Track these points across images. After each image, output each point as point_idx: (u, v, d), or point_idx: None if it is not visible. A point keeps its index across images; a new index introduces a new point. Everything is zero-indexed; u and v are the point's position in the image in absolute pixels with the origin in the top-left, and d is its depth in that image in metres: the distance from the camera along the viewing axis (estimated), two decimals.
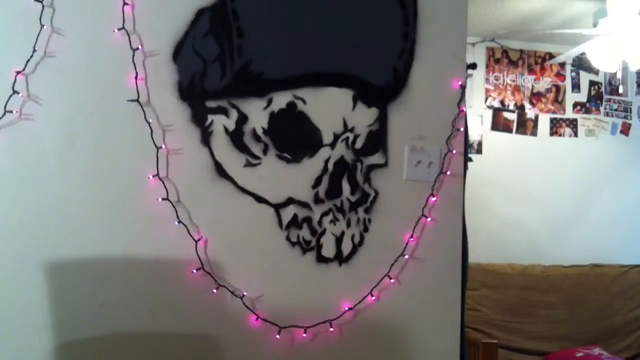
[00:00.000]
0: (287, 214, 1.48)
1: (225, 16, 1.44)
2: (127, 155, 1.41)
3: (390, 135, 1.53)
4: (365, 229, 1.52)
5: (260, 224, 1.47)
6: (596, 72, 3.83)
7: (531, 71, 3.80)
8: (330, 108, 1.50)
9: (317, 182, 1.49)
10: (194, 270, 1.42)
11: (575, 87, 3.87)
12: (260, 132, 1.46)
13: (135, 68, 1.39)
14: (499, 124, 3.76)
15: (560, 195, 3.54)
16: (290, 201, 1.48)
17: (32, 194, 1.37)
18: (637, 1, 2.39)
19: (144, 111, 1.40)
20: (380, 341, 1.53)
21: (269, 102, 1.47)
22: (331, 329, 1.47)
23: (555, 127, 3.82)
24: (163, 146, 1.42)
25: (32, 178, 1.37)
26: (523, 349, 2.90)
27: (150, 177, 1.40)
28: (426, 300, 1.54)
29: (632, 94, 3.88)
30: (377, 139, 1.52)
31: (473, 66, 1.73)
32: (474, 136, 3.58)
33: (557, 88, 3.84)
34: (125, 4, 1.39)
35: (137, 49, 1.40)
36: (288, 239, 1.48)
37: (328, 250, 1.50)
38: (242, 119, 1.46)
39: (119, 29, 1.39)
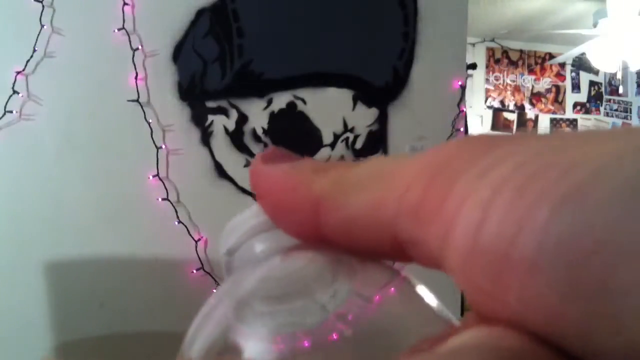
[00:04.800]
0: None
1: (225, 16, 1.44)
2: (127, 155, 1.41)
3: (390, 135, 1.53)
4: None
5: None
6: (596, 72, 3.83)
7: (531, 71, 3.80)
8: (330, 108, 1.50)
9: None
10: (194, 270, 1.42)
11: (575, 87, 3.88)
12: (260, 132, 1.46)
13: (135, 68, 1.39)
14: (499, 124, 3.77)
15: None
16: None
17: (32, 194, 1.37)
18: (637, 1, 2.39)
19: (144, 111, 1.40)
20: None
21: (269, 102, 1.47)
22: None
23: (556, 128, 3.82)
24: (163, 146, 1.42)
25: (32, 178, 1.37)
26: None
27: (150, 177, 1.41)
28: None
29: (632, 94, 3.89)
30: (377, 139, 1.52)
31: (473, 66, 1.73)
32: None
33: (557, 88, 3.84)
34: (125, 4, 1.39)
35: (137, 49, 1.40)
36: None
37: None
38: (242, 119, 1.46)
39: (119, 29, 1.39)
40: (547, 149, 0.12)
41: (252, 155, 1.46)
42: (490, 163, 0.12)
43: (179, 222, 1.42)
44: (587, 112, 3.88)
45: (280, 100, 1.47)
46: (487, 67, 3.74)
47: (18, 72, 1.35)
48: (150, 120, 1.41)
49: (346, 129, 1.51)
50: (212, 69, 1.44)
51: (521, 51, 3.77)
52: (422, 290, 0.16)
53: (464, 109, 1.56)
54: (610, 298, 0.10)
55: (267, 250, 0.16)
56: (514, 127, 3.76)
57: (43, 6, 1.36)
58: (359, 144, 1.51)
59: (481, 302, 0.12)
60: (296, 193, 0.15)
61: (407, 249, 0.14)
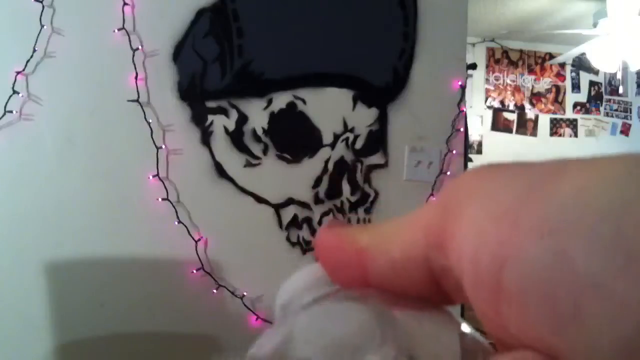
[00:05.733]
0: (287, 214, 1.48)
1: (225, 16, 1.44)
2: (127, 155, 1.41)
3: (390, 136, 1.53)
4: None
5: (260, 224, 1.47)
6: (596, 73, 3.83)
7: (531, 71, 3.80)
8: (330, 108, 1.50)
9: (317, 182, 1.49)
10: (194, 270, 1.42)
11: (575, 87, 3.88)
12: (260, 132, 1.47)
13: (135, 68, 1.39)
14: (499, 124, 3.77)
15: None
16: (290, 201, 1.48)
17: (32, 194, 1.37)
18: (637, 1, 2.39)
19: (144, 111, 1.40)
20: None
21: (269, 102, 1.47)
22: None
23: (556, 128, 3.82)
24: (163, 146, 1.42)
25: (32, 178, 1.37)
26: None
27: (150, 177, 1.41)
28: None
29: (632, 94, 3.88)
30: (377, 139, 1.52)
31: (473, 66, 1.73)
32: (474, 136, 3.58)
33: (557, 88, 3.85)
34: (125, 4, 1.39)
35: (137, 49, 1.40)
36: (288, 239, 1.48)
37: None
38: (242, 119, 1.46)
39: (119, 29, 1.39)
40: (535, 182, 0.13)
41: (252, 155, 1.46)
42: (491, 193, 0.13)
43: (179, 222, 1.42)
44: (587, 112, 3.88)
45: (280, 100, 1.47)
46: (487, 67, 3.74)
47: (18, 72, 1.35)
48: (150, 120, 1.41)
49: (346, 129, 1.51)
50: (212, 69, 1.44)
51: (521, 51, 3.78)
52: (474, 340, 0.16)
53: (464, 109, 1.56)
54: (582, 327, 0.10)
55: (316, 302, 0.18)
56: (514, 127, 3.77)
57: (43, 6, 1.36)
58: (359, 144, 1.51)
59: (491, 328, 0.13)
60: (346, 249, 0.17)
61: (442, 283, 0.15)
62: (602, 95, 3.91)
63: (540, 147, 3.69)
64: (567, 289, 0.11)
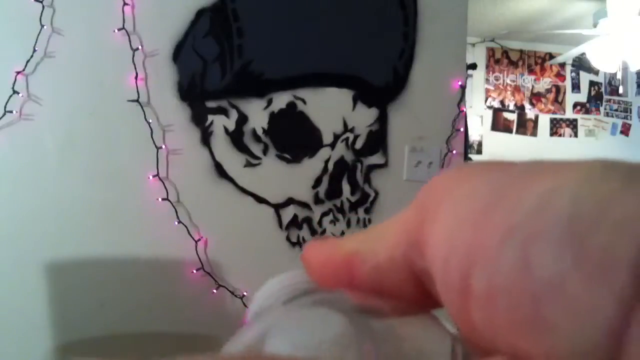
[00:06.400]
0: (287, 214, 1.48)
1: (225, 16, 1.44)
2: (127, 155, 1.41)
3: (390, 136, 1.53)
4: None
5: (260, 224, 1.47)
6: (596, 73, 3.82)
7: (531, 71, 3.80)
8: (330, 108, 1.50)
9: (317, 182, 1.49)
10: (194, 271, 1.42)
11: (575, 87, 3.87)
12: (260, 132, 1.47)
13: (135, 68, 1.39)
14: (499, 124, 3.77)
15: None
16: (290, 201, 1.48)
17: (32, 194, 1.37)
18: (637, 1, 2.39)
19: (144, 111, 1.40)
20: None
21: (269, 102, 1.47)
22: None
23: (555, 128, 3.82)
24: (163, 146, 1.42)
25: (32, 178, 1.37)
26: None
27: (150, 177, 1.41)
28: None
29: (632, 94, 3.88)
30: (377, 139, 1.52)
31: (473, 66, 1.73)
32: (474, 136, 3.58)
33: (557, 88, 3.84)
34: (125, 4, 1.39)
35: (137, 49, 1.40)
36: (288, 239, 1.48)
37: None
38: (242, 119, 1.46)
39: (119, 29, 1.39)
40: (506, 186, 0.13)
41: (252, 155, 1.46)
42: (464, 196, 0.13)
43: (179, 222, 1.42)
44: (587, 112, 3.88)
45: (280, 100, 1.47)
46: (487, 67, 3.74)
47: (18, 72, 1.35)
48: (150, 120, 1.41)
49: (346, 129, 1.51)
50: (212, 69, 1.44)
51: (521, 51, 3.77)
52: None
53: (464, 109, 1.56)
54: (542, 331, 0.11)
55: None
56: (514, 127, 3.76)
57: (43, 6, 1.36)
58: (359, 144, 1.51)
59: (463, 331, 0.13)
60: (334, 256, 0.17)
61: (426, 284, 0.15)
62: (602, 95, 3.91)
63: (540, 147, 3.69)
64: (528, 294, 0.11)
